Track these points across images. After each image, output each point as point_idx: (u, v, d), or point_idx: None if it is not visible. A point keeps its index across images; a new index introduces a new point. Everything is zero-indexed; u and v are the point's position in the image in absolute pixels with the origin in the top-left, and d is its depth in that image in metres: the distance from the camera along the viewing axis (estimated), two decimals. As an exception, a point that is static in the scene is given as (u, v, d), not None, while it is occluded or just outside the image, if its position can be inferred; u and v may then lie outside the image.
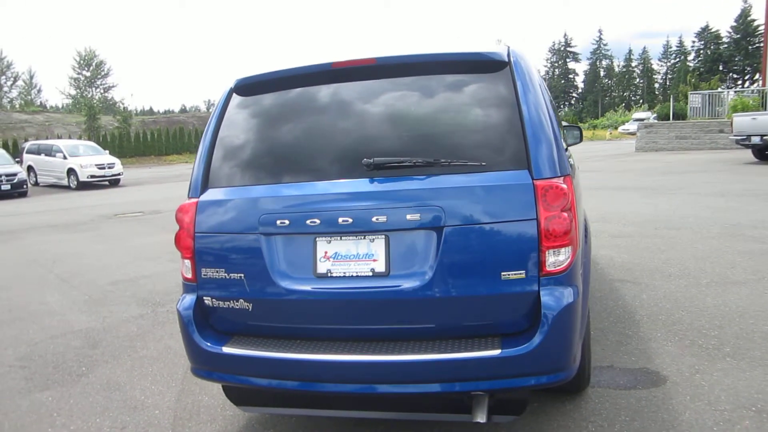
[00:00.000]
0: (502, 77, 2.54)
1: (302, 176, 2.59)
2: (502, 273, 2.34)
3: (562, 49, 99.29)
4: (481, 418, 2.38)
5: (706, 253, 5.97)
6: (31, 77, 71.02)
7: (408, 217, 2.39)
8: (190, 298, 2.71)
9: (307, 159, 2.63)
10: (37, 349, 4.36)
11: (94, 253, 8.17)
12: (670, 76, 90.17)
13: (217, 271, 2.63)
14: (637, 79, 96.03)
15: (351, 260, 2.46)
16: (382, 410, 2.61)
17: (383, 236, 2.43)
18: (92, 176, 21.07)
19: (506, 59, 2.57)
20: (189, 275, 2.71)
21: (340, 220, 2.44)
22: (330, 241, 2.48)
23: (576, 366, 2.48)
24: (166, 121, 58.05)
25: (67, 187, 21.26)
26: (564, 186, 2.38)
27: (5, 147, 32.36)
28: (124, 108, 52.94)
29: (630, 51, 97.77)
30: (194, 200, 2.73)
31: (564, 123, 5.48)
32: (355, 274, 2.45)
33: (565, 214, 2.36)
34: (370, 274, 2.43)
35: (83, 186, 20.87)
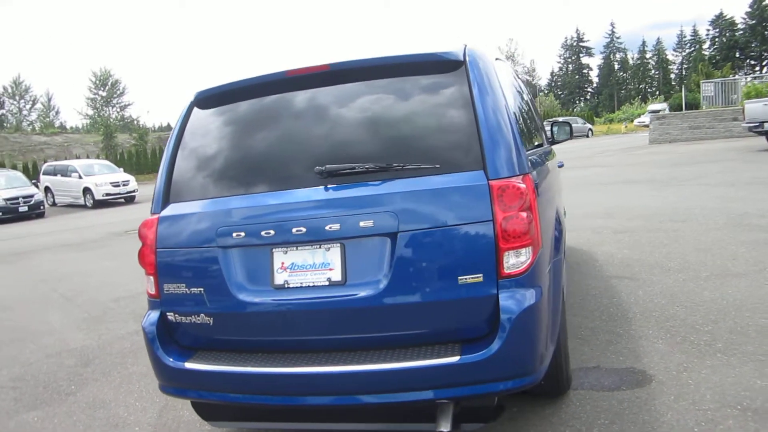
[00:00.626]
0: (457, 77, 2.49)
1: (258, 187, 2.57)
2: (460, 277, 2.29)
3: (574, 44, 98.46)
4: (444, 427, 2.32)
5: (709, 245, 5.83)
6: (49, 99, 72.32)
7: (361, 224, 2.35)
8: (154, 315, 2.70)
9: (262, 170, 2.60)
10: (31, 369, 4.39)
11: (101, 270, 8.24)
12: (685, 66, 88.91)
13: (178, 287, 2.61)
14: (653, 71, 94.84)
15: (308, 270, 2.43)
16: (348, 421, 2.57)
17: (339, 245, 2.39)
18: (107, 194, 21.32)
19: (461, 58, 2.52)
20: (153, 291, 2.70)
21: (294, 230, 2.41)
22: (286, 251, 2.45)
23: (542, 369, 2.41)
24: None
25: (84, 206, 21.54)
26: (521, 185, 2.32)
27: (25, 169, 33.02)
28: (140, 125, 53.55)
29: (644, 42, 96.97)
30: (156, 216, 2.72)
31: (559, 119, 5.42)
32: (312, 284, 2.41)
33: (524, 214, 2.30)
34: (327, 283, 2.40)
35: (99, 204, 21.13)
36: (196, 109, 2.83)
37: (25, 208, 18.91)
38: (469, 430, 2.41)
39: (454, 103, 2.46)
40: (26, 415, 3.58)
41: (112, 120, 57.62)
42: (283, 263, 2.46)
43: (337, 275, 2.39)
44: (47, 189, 23.57)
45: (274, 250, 2.46)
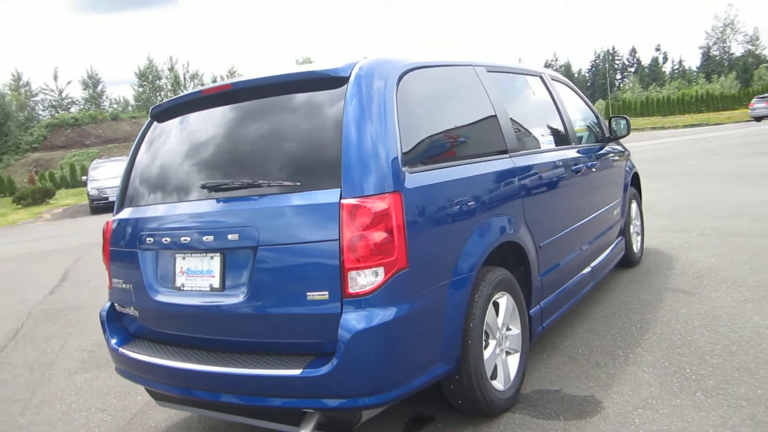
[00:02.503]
0: (337, 95, 2.50)
1: (170, 197, 2.84)
2: (308, 293, 2.34)
3: None
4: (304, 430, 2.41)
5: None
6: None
7: (229, 236, 2.51)
8: (107, 304, 3.11)
9: (174, 181, 2.86)
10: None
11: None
12: None
13: (118, 281, 2.99)
14: None
15: (197, 276, 2.64)
16: (239, 415, 2.72)
17: (219, 254, 2.57)
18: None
19: (347, 76, 2.52)
20: (108, 284, 3.12)
21: (182, 239, 2.64)
22: (184, 257, 2.69)
23: (401, 390, 2.37)
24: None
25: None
26: (374, 205, 2.29)
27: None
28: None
29: None
30: (110, 219, 3.12)
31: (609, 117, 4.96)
32: (199, 289, 2.63)
33: (374, 234, 2.28)
34: (209, 289, 2.59)
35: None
36: (153, 122, 3.17)
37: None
38: None
39: (328, 120, 2.48)
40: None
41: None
42: (181, 268, 2.70)
43: (216, 282, 2.58)
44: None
45: (176, 255, 2.72)
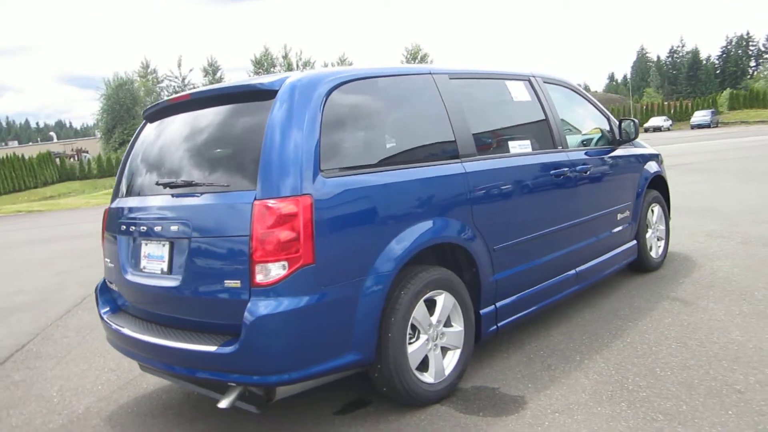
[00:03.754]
0: (266, 107, 2.77)
1: (142, 192, 3.26)
2: (225, 281, 2.66)
3: None
4: (223, 403, 2.73)
5: None
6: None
7: (172, 228, 2.87)
8: (102, 279, 3.60)
9: (145, 178, 3.27)
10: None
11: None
12: None
13: (107, 261, 3.46)
14: None
15: (154, 260, 3.04)
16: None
17: (168, 242, 2.94)
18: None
19: (276, 89, 2.78)
20: (104, 263, 3.60)
21: (144, 228, 3.04)
22: (147, 243, 3.10)
23: (303, 372, 2.63)
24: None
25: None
26: (281, 206, 2.55)
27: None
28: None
29: None
30: (106, 207, 3.60)
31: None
32: (154, 272, 3.02)
33: (280, 232, 2.55)
34: (160, 272, 2.98)
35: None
36: (146, 123, 3.60)
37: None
38: (243, 408, 2.78)
39: (256, 129, 2.76)
40: None
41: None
42: (145, 252, 3.11)
43: (165, 267, 2.96)
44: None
45: (142, 241, 3.13)
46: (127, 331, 3.11)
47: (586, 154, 4.35)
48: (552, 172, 3.88)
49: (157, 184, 3.03)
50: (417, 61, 74.26)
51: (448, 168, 3.23)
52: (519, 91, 4.00)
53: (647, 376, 3.20)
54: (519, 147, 3.78)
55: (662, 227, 5.37)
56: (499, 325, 3.54)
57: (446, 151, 3.29)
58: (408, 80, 3.34)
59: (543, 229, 3.80)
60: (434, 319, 3.13)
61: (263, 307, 2.55)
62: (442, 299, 3.16)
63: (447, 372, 3.19)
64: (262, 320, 2.54)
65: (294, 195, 2.59)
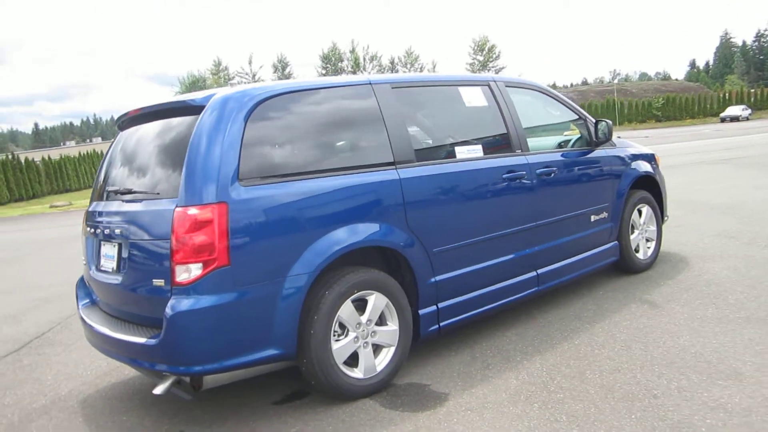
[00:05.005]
0: (194, 120, 3.03)
1: (102, 197, 3.59)
2: (153, 280, 2.94)
3: None
4: (158, 390, 3.01)
5: None
6: (434, 67, 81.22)
7: (117, 231, 3.19)
8: (81, 275, 3.98)
9: (106, 184, 3.59)
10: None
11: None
12: None
13: (82, 259, 3.83)
14: None
15: (108, 259, 3.36)
16: None
17: (117, 244, 3.26)
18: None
19: (204, 105, 3.03)
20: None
21: (102, 230, 3.37)
22: (104, 244, 3.42)
23: (212, 365, 2.86)
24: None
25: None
26: (197, 213, 2.80)
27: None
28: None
29: None
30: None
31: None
32: (107, 270, 3.35)
33: (196, 237, 2.80)
34: (111, 270, 3.30)
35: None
36: (119, 131, 3.93)
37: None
38: (178, 395, 3.06)
39: (184, 141, 3.01)
40: None
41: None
42: (102, 252, 3.44)
43: (114, 265, 3.27)
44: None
45: (101, 241, 3.46)
46: (92, 323, 3.45)
47: (552, 156, 4.37)
48: (505, 175, 3.95)
49: (108, 191, 3.36)
50: (484, 52, 73.45)
51: (379, 175, 3.38)
52: (474, 97, 4.07)
53: (574, 379, 3.26)
54: (468, 152, 3.87)
55: (653, 228, 5.28)
56: (441, 324, 3.66)
57: (381, 158, 3.44)
58: (344, 91, 3.51)
59: (492, 233, 3.88)
60: (364, 318, 3.30)
61: (182, 303, 2.81)
62: (373, 299, 3.32)
63: (379, 368, 3.36)
64: (180, 315, 2.79)
65: (210, 203, 2.83)
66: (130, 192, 3.22)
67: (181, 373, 2.92)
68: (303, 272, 3.04)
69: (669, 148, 20.58)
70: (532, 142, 4.66)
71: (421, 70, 77.32)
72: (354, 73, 72.07)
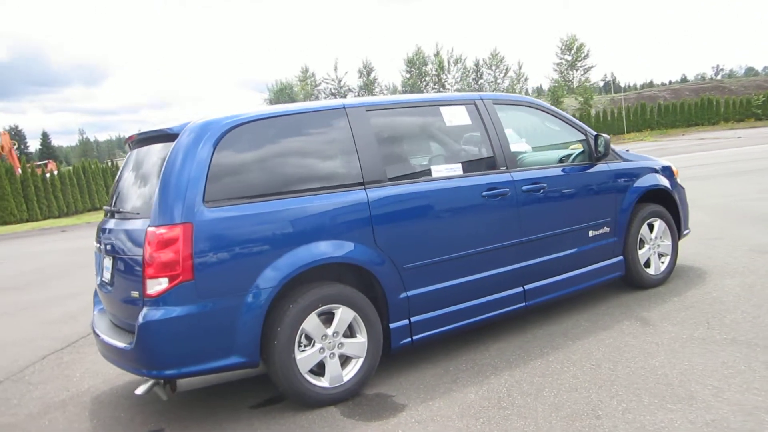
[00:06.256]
0: (169, 147, 3.35)
1: (107, 215, 3.98)
2: (131, 291, 3.29)
3: None
4: (139, 390, 3.35)
5: None
6: (519, 67, 79.72)
7: (108, 246, 3.56)
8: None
9: (111, 202, 3.99)
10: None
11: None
12: None
13: (95, 270, 4.27)
14: None
15: (107, 271, 3.75)
16: None
17: (111, 257, 3.64)
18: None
19: (178, 133, 3.35)
20: (100, 270, 4.42)
21: (101, 245, 3.77)
22: (105, 258, 3.82)
23: (181, 370, 3.16)
24: (636, 97, 57.37)
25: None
26: (164, 233, 3.11)
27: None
28: (585, 88, 54.86)
29: None
30: (102, 224, 4.41)
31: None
32: (106, 280, 3.74)
33: (163, 253, 3.11)
34: (107, 281, 3.69)
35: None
36: (129, 151, 4.34)
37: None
38: (159, 394, 3.39)
39: (159, 166, 3.35)
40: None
41: (572, 84, 60.66)
42: (105, 264, 3.84)
43: (109, 277, 3.66)
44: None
45: (104, 255, 3.87)
46: (97, 330, 3.86)
47: (543, 173, 4.39)
48: (485, 193, 4.02)
49: (106, 209, 3.77)
50: (572, 51, 71.32)
51: (345, 195, 3.57)
52: (456, 116, 4.17)
53: (529, 396, 3.31)
54: (446, 170, 3.98)
55: (667, 243, 5.13)
56: (414, 338, 3.80)
57: (349, 179, 3.63)
58: (316, 116, 3.72)
59: (470, 249, 3.96)
60: (330, 330, 3.50)
61: (150, 313, 3.13)
62: (340, 312, 3.52)
63: (346, 378, 3.55)
64: (149, 324, 3.12)
65: (176, 223, 3.14)
66: (119, 212, 3.61)
67: (154, 376, 3.24)
68: (265, 287, 3.29)
69: (755, 151, 19.27)
70: (533, 157, 4.70)
71: (506, 72, 76.32)
72: (438, 77, 72.11)
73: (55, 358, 5.26)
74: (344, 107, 3.79)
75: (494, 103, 4.37)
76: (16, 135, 75.48)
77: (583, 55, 71.89)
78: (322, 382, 3.49)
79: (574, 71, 71.69)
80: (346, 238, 3.54)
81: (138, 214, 3.40)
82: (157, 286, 3.13)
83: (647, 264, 5.03)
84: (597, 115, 47.56)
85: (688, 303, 4.52)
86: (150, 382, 3.35)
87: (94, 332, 3.81)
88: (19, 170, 27.33)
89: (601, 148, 4.64)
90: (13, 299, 8.10)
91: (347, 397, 3.55)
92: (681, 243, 6.26)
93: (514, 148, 4.42)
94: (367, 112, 3.82)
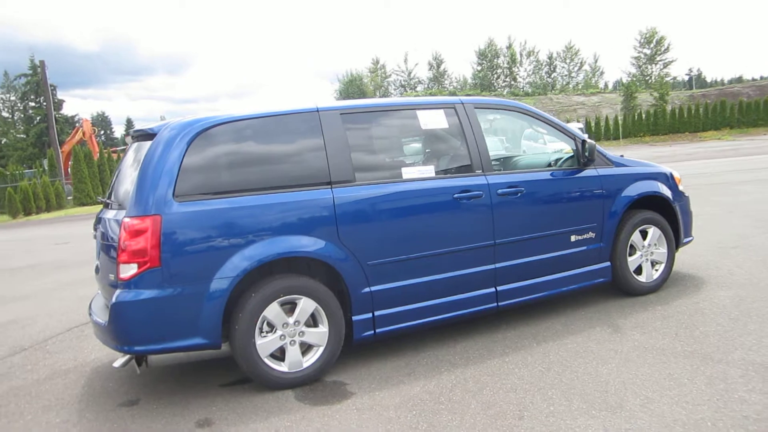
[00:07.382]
0: (148, 145, 3.67)
1: (104, 204, 4.36)
2: (109, 274, 3.63)
3: None
4: (116, 363, 3.70)
5: None
6: (596, 61, 77.33)
7: (100, 234, 3.93)
8: None
9: (106, 195, 4.36)
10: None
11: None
12: None
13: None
14: None
15: (97, 256, 4.12)
16: None
17: (101, 243, 4.01)
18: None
19: (156, 133, 3.66)
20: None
21: (96, 232, 4.14)
22: (98, 243, 4.20)
23: (148, 347, 3.48)
24: (717, 94, 54.57)
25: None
26: (134, 223, 3.43)
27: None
28: (662, 83, 52.69)
29: None
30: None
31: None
32: (97, 264, 4.11)
33: (134, 242, 3.43)
34: (98, 265, 4.06)
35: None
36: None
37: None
38: (136, 367, 3.74)
39: (140, 162, 3.67)
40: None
41: (648, 79, 58.37)
42: (97, 250, 4.22)
43: (99, 261, 4.03)
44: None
45: (98, 240, 4.24)
46: (91, 310, 4.24)
47: (521, 176, 4.44)
48: (456, 195, 4.13)
49: (100, 200, 4.14)
50: (652, 45, 68.55)
51: (311, 193, 3.78)
52: (432, 120, 4.29)
53: (469, 393, 3.43)
54: (418, 172, 4.11)
55: (662, 250, 5.06)
56: (377, 331, 3.98)
57: (317, 178, 3.84)
58: (288, 118, 3.93)
59: (438, 248, 4.09)
60: (292, 319, 3.73)
61: (121, 295, 3.46)
62: (302, 303, 3.75)
63: (306, 364, 3.78)
64: (120, 304, 3.45)
65: (146, 215, 3.45)
66: (106, 203, 3.97)
67: (125, 351, 3.58)
68: (227, 276, 3.56)
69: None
70: (527, 159, 4.76)
71: (581, 66, 74.21)
72: (510, 69, 70.99)
73: (78, 331, 5.75)
74: (317, 110, 3.99)
75: (475, 107, 4.46)
76: (102, 121, 79.87)
77: (663, 49, 68.94)
78: (282, 367, 3.73)
79: (653, 65, 68.94)
80: (309, 234, 3.75)
81: (119, 205, 3.75)
82: (128, 270, 3.46)
83: (638, 271, 4.98)
84: (672, 112, 45.52)
85: (668, 312, 4.48)
86: (125, 357, 3.69)
87: (89, 311, 4.21)
88: (97, 155, 29.08)
89: (587, 154, 4.64)
90: (61, 277, 8.80)
91: (306, 382, 3.78)
92: (695, 250, 6.14)
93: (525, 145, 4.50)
94: (341, 115, 4.01)
